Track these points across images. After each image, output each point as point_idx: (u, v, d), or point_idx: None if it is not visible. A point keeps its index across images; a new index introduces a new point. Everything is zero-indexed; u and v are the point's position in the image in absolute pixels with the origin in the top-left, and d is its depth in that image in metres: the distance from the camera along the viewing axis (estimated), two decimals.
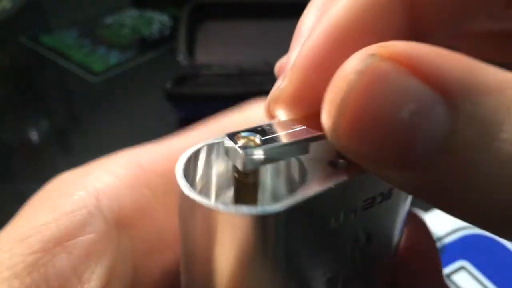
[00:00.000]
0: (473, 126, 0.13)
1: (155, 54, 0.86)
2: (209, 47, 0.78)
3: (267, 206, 0.14)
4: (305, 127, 0.17)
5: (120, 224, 0.19)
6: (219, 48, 0.78)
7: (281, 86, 0.18)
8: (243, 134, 0.16)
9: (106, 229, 0.18)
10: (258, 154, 0.15)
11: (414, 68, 0.13)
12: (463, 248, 0.48)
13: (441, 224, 0.50)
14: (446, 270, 0.48)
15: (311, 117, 0.17)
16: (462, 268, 0.47)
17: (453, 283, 0.47)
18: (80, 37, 0.89)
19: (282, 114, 0.18)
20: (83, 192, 0.19)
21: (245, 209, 0.13)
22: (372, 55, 0.14)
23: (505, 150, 0.12)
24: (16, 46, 0.91)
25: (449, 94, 0.13)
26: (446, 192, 0.13)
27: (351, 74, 0.14)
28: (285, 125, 0.17)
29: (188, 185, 0.15)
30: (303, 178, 0.17)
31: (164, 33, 0.89)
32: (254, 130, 0.16)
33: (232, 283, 0.15)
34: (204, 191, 0.19)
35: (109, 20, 0.93)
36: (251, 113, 0.22)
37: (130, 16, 0.94)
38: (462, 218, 0.14)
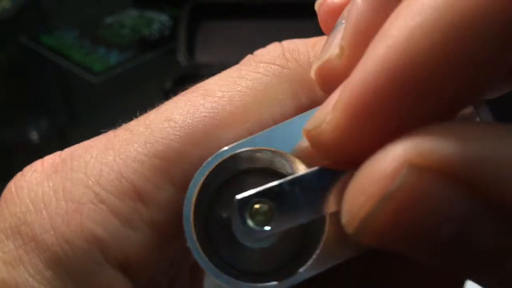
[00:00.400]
0: None
1: (155, 54, 0.86)
2: (209, 47, 0.78)
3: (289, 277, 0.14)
4: (333, 192, 0.14)
5: (127, 266, 0.17)
6: (219, 48, 0.78)
7: (319, 123, 0.14)
8: (255, 204, 0.14)
9: (118, 279, 0.16)
10: (269, 233, 0.14)
11: (462, 181, 0.11)
12: None
13: None
14: None
15: (349, 166, 0.13)
16: None
17: None
18: (80, 37, 0.89)
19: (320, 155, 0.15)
20: (81, 242, 0.16)
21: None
22: (409, 167, 0.11)
23: None
24: (16, 46, 0.91)
25: (504, 209, 0.11)
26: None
27: (379, 195, 0.11)
28: (311, 183, 0.14)
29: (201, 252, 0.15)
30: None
31: (164, 33, 0.89)
32: (270, 193, 0.14)
33: None
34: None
35: (109, 20, 0.93)
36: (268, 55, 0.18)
37: (130, 16, 0.94)
38: None
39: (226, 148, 0.16)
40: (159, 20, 0.92)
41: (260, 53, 0.19)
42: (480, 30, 0.11)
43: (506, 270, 0.11)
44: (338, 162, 0.14)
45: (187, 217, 0.15)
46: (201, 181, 0.15)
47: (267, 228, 0.14)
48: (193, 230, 0.15)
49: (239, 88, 0.17)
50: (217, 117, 0.17)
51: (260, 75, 0.18)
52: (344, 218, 0.12)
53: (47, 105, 0.81)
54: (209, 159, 0.16)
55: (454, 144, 0.11)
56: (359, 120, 0.12)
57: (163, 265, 0.18)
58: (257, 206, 0.14)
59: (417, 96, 0.12)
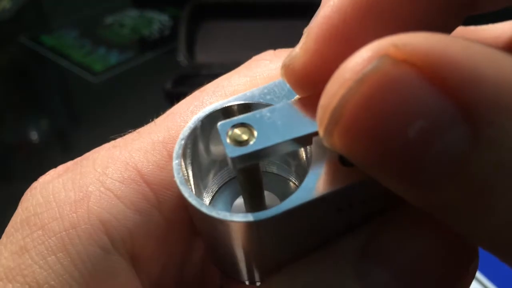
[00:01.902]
0: (494, 152, 0.11)
1: (155, 54, 0.86)
2: (209, 47, 0.78)
3: (257, 213, 0.15)
4: (310, 116, 0.15)
5: (134, 256, 0.17)
6: (219, 48, 0.78)
7: (292, 53, 0.15)
8: (235, 127, 0.15)
9: (127, 271, 0.16)
10: (248, 153, 0.15)
11: (435, 75, 0.11)
12: None
13: None
14: None
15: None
16: None
17: None
18: (80, 37, 0.89)
19: (292, 87, 0.16)
20: (87, 226, 0.16)
21: (237, 217, 0.15)
22: (383, 56, 0.11)
23: None
24: (16, 46, 0.91)
25: (473, 114, 0.11)
26: (457, 214, 0.12)
27: (352, 79, 0.11)
28: (288, 110, 0.15)
29: (189, 191, 0.15)
30: (307, 171, 0.16)
31: (164, 33, 0.89)
32: (250, 119, 0.15)
33: (245, 259, 0.16)
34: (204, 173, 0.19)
35: (109, 20, 0.93)
36: (257, 71, 0.19)
37: (130, 16, 0.94)
38: (469, 240, 0.12)
39: (217, 103, 0.17)
40: (159, 20, 0.92)
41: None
42: None
43: (464, 185, 0.11)
44: (311, 90, 0.15)
45: (176, 151, 0.16)
46: (192, 126, 0.17)
47: (250, 144, 0.15)
48: (181, 164, 0.16)
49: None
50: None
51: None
52: (318, 114, 0.12)
53: (47, 105, 0.81)
54: (202, 111, 0.17)
55: (432, 42, 0.11)
56: (328, 40, 0.14)
57: (170, 264, 0.18)
58: (237, 131, 0.15)
59: (377, 18, 0.13)
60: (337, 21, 0.14)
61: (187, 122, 0.17)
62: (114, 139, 0.19)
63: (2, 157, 0.72)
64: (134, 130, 0.19)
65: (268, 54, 0.19)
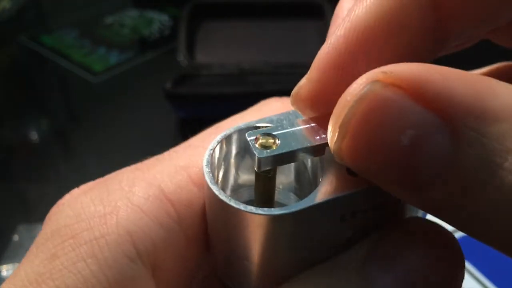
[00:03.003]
0: (475, 153, 0.13)
1: (155, 54, 0.86)
2: (209, 47, 0.78)
3: (277, 209, 0.17)
4: (320, 131, 0.18)
5: (155, 267, 0.18)
6: (219, 48, 0.78)
7: (300, 83, 0.18)
8: (262, 134, 0.17)
9: (147, 280, 0.18)
10: (274, 156, 0.17)
11: (417, 94, 0.14)
12: (463, 248, 0.48)
13: (440, 224, 0.50)
14: None
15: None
16: None
17: None
18: (80, 37, 0.89)
19: (301, 111, 0.19)
20: (116, 236, 0.17)
21: (261, 211, 0.17)
22: (375, 81, 0.14)
23: (508, 180, 0.12)
24: (16, 46, 0.91)
25: (451, 120, 0.13)
26: (451, 210, 0.14)
27: (352, 100, 0.14)
28: (306, 125, 0.18)
29: (218, 189, 0.17)
30: (319, 178, 0.18)
31: (164, 33, 0.89)
32: (273, 130, 0.18)
33: (257, 262, 0.18)
34: (226, 179, 0.21)
35: (109, 20, 0.93)
36: (267, 111, 0.21)
37: (130, 16, 0.94)
38: (469, 235, 0.14)
39: (242, 123, 0.19)
40: (159, 20, 0.92)
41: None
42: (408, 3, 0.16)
43: (452, 185, 0.13)
44: (317, 112, 0.18)
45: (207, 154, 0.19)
46: (217, 141, 0.19)
47: (275, 148, 0.17)
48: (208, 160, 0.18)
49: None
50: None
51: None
52: (329, 131, 0.15)
53: (47, 105, 0.81)
54: (222, 133, 0.19)
55: (413, 68, 0.14)
56: (327, 71, 0.17)
57: (184, 277, 0.20)
58: (263, 138, 0.17)
59: (364, 51, 0.17)
60: (334, 56, 0.17)
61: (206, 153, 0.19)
62: (115, 143, 0.20)
63: (2, 157, 0.72)
64: (152, 157, 0.21)
65: (274, 99, 0.23)
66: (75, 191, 0.20)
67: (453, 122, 0.13)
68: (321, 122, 0.18)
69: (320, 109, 0.18)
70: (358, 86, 0.14)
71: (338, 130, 0.15)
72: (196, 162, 0.20)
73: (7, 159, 0.72)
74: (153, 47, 0.87)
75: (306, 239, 0.17)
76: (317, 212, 0.17)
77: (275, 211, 0.16)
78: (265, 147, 0.17)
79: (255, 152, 0.17)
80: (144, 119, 0.73)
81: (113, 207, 0.18)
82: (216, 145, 0.19)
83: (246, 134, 0.18)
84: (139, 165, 0.20)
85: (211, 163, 0.18)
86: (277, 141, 0.17)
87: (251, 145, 0.17)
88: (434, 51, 0.18)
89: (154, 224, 0.18)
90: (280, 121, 0.19)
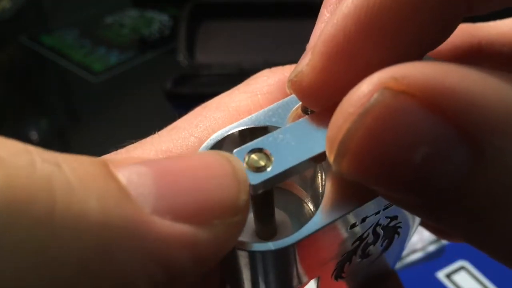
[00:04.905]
0: (497, 172, 0.11)
1: (155, 54, 0.86)
2: (209, 47, 0.78)
3: (271, 243, 0.14)
4: (322, 133, 0.15)
5: None
6: (219, 48, 0.78)
7: (300, 68, 0.16)
8: (251, 153, 0.15)
9: None
10: (267, 178, 0.15)
11: (433, 104, 0.11)
12: (463, 248, 0.48)
13: None
14: (446, 270, 0.48)
15: (331, 112, 0.14)
16: (462, 268, 0.47)
17: (453, 283, 0.47)
18: (80, 37, 0.89)
19: (301, 100, 0.17)
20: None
21: (257, 246, 0.15)
22: (384, 88, 0.12)
23: None
24: (16, 46, 0.91)
25: (472, 136, 0.11)
26: (465, 228, 0.13)
27: (356, 113, 0.12)
28: (299, 129, 0.15)
29: None
30: (322, 190, 0.16)
31: (164, 33, 0.89)
32: (265, 143, 0.15)
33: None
34: None
35: (109, 20, 0.93)
36: (257, 87, 0.19)
37: (130, 16, 0.94)
38: (480, 249, 0.13)
39: (227, 127, 0.17)
40: (159, 20, 0.92)
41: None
42: None
43: (470, 207, 0.12)
44: (320, 105, 0.16)
45: None
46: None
47: (268, 169, 0.15)
48: None
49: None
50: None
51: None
52: (327, 145, 0.13)
53: (47, 105, 0.81)
54: (211, 137, 0.17)
55: (429, 72, 0.12)
56: (333, 58, 0.15)
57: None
58: (254, 156, 0.15)
59: (378, 34, 0.14)
60: (342, 40, 0.14)
61: (192, 135, 0.17)
62: (116, 149, 0.19)
63: None
64: (136, 141, 0.19)
65: (265, 72, 0.20)
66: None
67: (475, 139, 0.11)
68: (323, 118, 0.15)
69: (323, 102, 0.15)
70: (363, 94, 0.12)
71: (337, 147, 0.13)
72: (179, 146, 0.18)
73: None
74: (153, 47, 0.87)
75: (314, 256, 0.16)
76: (324, 233, 0.15)
77: (273, 245, 0.14)
78: (257, 168, 0.15)
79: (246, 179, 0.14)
80: (144, 119, 0.73)
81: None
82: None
83: (234, 153, 0.15)
84: (119, 150, 0.19)
85: None
86: (271, 157, 0.15)
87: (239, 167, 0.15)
88: (456, 22, 0.15)
89: None
90: (268, 119, 0.17)
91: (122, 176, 0.12)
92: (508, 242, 0.12)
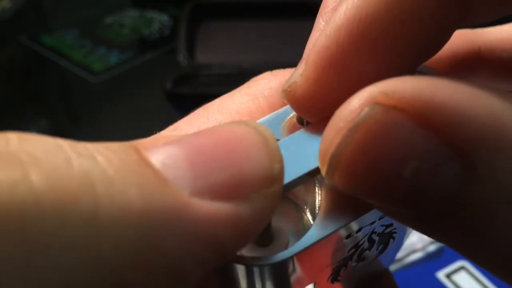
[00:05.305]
0: (488, 186, 0.11)
1: (155, 54, 0.86)
2: (209, 47, 0.78)
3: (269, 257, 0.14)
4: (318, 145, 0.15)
5: None
6: (219, 48, 0.78)
7: (292, 79, 0.16)
8: None
9: None
10: None
11: (424, 119, 0.11)
12: None
13: None
14: (446, 270, 0.48)
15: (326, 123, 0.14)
16: (462, 268, 0.47)
17: (453, 283, 0.47)
18: (80, 37, 0.89)
19: (295, 110, 0.16)
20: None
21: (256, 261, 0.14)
22: (374, 104, 0.12)
23: None
24: (16, 46, 0.91)
25: (463, 151, 0.11)
26: (456, 241, 0.13)
27: (346, 128, 0.12)
28: (295, 143, 0.15)
29: None
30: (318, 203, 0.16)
31: (164, 33, 0.89)
32: None
33: None
34: None
35: (109, 20, 0.93)
36: (258, 90, 0.19)
37: (130, 16, 0.94)
38: (476, 263, 0.13)
39: None
40: (159, 20, 0.92)
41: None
42: None
43: (462, 220, 0.12)
44: (314, 116, 0.16)
45: None
46: None
47: None
48: None
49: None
50: None
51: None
52: (319, 158, 0.13)
53: (47, 105, 0.81)
54: None
55: (419, 87, 0.12)
56: (327, 69, 0.15)
57: None
58: None
59: (371, 46, 0.14)
60: (335, 51, 0.14)
61: None
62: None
63: None
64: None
65: (266, 75, 0.20)
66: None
67: (466, 154, 0.11)
68: (318, 129, 0.15)
69: (318, 112, 0.16)
70: (354, 109, 0.12)
71: (328, 160, 0.13)
72: None
73: None
74: (153, 47, 0.87)
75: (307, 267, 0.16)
76: (320, 245, 0.15)
77: (270, 259, 0.14)
78: None
79: None
80: (144, 119, 0.73)
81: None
82: None
83: None
84: None
85: None
86: None
87: None
88: (450, 32, 0.15)
89: None
90: None
91: (156, 160, 0.12)
92: (499, 255, 0.12)
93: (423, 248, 0.49)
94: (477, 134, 0.11)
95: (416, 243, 0.50)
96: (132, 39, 0.89)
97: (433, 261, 0.48)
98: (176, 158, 0.12)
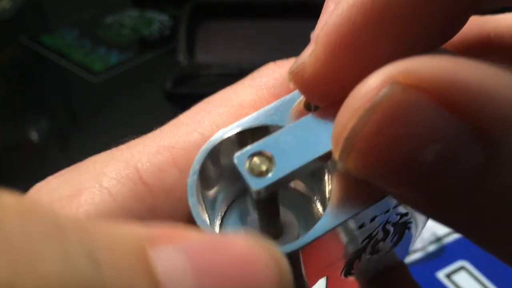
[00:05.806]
0: (508, 171, 0.11)
1: (155, 54, 0.86)
2: (209, 47, 0.78)
3: (281, 246, 0.14)
4: (326, 131, 0.14)
5: None
6: (219, 48, 0.78)
7: (300, 59, 0.15)
8: (253, 157, 0.14)
9: None
10: (269, 183, 0.14)
11: (445, 99, 0.11)
12: (463, 248, 0.48)
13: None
14: (446, 270, 0.48)
15: (336, 108, 0.13)
16: (462, 268, 0.47)
17: (453, 283, 0.47)
18: (80, 37, 0.89)
19: (302, 93, 0.16)
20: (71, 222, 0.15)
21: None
22: (393, 83, 0.11)
23: None
24: (16, 46, 0.91)
25: (488, 134, 0.11)
26: (475, 227, 0.12)
27: (363, 108, 0.11)
28: (303, 128, 0.15)
29: (207, 226, 0.15)
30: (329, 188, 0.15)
31: (164, 33, 0.89)
32: (267, 146, 0.14)
33: None
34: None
35: (109, 20, 0.93)
36: (262, 81, 0.18)
37: (130, 16, 0.94)
38: (490, 252, 0.12)
39: (227, 128, 0.16)
40: (159, 20, 0.92)
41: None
42: None
43: (481, 206, 0.11)
44: (324, 99, 0.15)
45: (192, 177, 0.15)
46: (204, 154, 0.16)
47: (271, 173, 0.14)
48: (195, 191, 0.15)
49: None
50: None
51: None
52: (332, 142, 0.13)
53: (47, 105, 0.81)
54: (210, 140, 0.16)
55: (441, 66, 0.11)
56: (338, 49, 0.14)
57: None
58: (256, 160, 0.14)
59: (387, 24, 0.13)
60: (347, 31, 0.14)
61: (195, 131, 0.17)
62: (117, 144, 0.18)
63: (2, 157, 0.72)
64: (137, 137, 0.18)
65: (270, 65, 0.19)
66: (49, 177, 0.18)
67: (490, 137, 0.11)
68: (327, 115, 0.15)
69: (327, 96, 0.15)
70: (371, 88, 0.11)
71: (343, 144, 0.12)
72: (182, 142, 0.17)
73: (7, 159, 0.72)
74: (153, 47, 0.87)
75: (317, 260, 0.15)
76: (332, 235, 0.14)
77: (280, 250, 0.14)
78: (259, 172, 0.14)
79: (247, 183, 0.14)
80: (144, 119, 0.73)
81: (78, 190, 0.16)
82: (198, 168, 0.16)
83: (234, 159, 0.14)
84: (121, 146, 0.18)
85: (196, 191, 0.15)
86: (273, 160, 0.14)
87: (241, 173, 0.14)
88: (466, 17, 0.15)
89: (121, 210, 0.16)
90: (270, 117, 0.16)
91: (161, 267, 0.11)
92: None
93: (423, 248, 0.49)
94: (504, 117, 0.11)
95: (416, 243, 0.50)
96: (132, 39, 0.89)
97: (433, 261, 0.48)
98: (182, 273, 0.11)
